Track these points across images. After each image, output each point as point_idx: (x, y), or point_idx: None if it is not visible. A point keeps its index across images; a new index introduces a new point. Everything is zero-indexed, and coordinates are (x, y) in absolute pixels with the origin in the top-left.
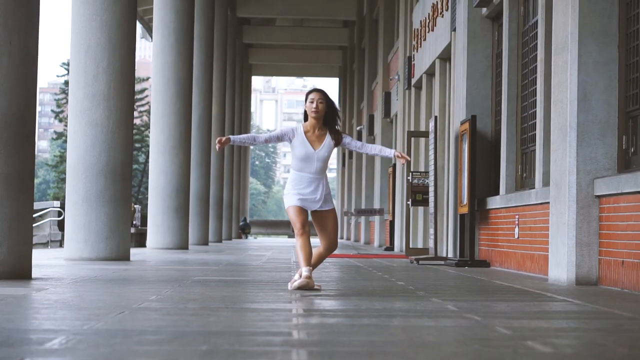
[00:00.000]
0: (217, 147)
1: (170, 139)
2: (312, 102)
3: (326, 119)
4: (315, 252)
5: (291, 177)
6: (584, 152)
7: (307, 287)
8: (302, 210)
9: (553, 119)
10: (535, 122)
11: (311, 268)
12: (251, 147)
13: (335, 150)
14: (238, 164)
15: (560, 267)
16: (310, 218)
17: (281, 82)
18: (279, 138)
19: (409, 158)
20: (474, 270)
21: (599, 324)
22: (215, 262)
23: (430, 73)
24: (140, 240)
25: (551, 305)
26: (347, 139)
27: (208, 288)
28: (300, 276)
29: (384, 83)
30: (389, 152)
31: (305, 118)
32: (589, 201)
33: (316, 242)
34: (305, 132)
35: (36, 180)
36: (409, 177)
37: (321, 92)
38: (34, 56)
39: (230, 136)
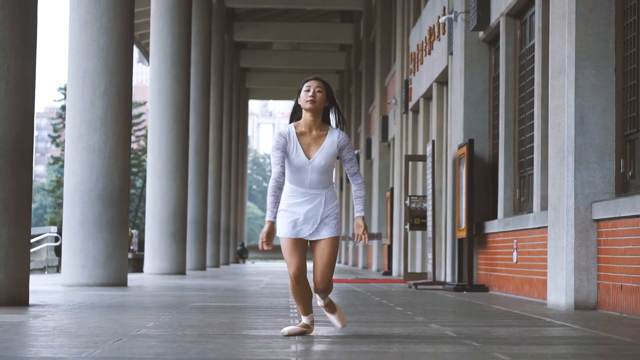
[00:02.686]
0: (264, 247)
1: (168, 163)
2: (307, 91)
3: (325, 117)
4: (307, 296)
5: (285, 191)
6: (581, 175)
7: (302, 334)
8: (298, 245)
9: (550, 143)
10: (533, 146)
11: (312, 315)
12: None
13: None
14: (235, 188)
15: (559, 292)
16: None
17: (278, 106)
18: (283, 156)
19: (366, 242)
20: (473, 295)
21: (598, 350)
22: (213, 287)
23: (427, 97)
24: (137, 265)
25: (550, 330)
26: (348, 153)
27: (206, 314)
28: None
29: (381, 107)
30: (356, 211)
31: (296, 117)
32: (587, 225)
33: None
34: (299, 134)
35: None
36: (407, 201)
37: (320, 81)
38: (31, 81)
39: (268, 220)
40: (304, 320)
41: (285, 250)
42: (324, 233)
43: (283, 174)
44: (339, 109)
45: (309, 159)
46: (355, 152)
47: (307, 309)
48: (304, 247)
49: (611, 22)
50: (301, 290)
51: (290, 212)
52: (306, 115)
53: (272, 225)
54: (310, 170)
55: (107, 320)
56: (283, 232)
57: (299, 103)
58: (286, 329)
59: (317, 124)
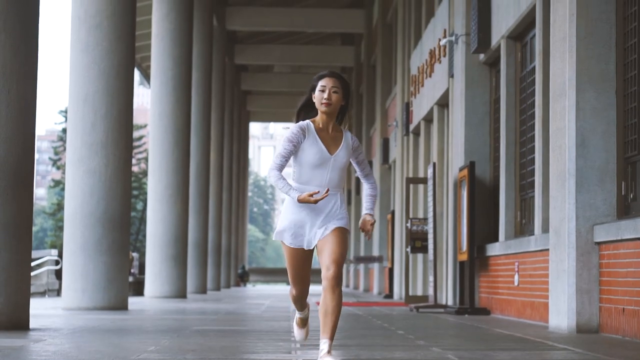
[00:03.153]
0: (319, 197)
1: (168, 187)
2: (322, 91)
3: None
4: (323, 306)
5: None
6: (583, 198)
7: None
8: (301, 256)
9: (552, 165)
10: (534, 168)
11: (307, 312)
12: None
13: None
14: (236, 211)
15: (561, 315)
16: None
17: (279, 129)
18: (294, 151)
19: (370, 237)
20: (474, 318)
21: None
22: (214, 311)
23: (428, 119)
24: (138, 288)
25: (552, 354)
26: (360, 155)
27: (207, 338)
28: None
29: (382, 129)
30: (365, 209)
31: (304, 112)
32: (589, 248)
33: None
34: (318, 131)
35: (34, 228)
36: (408, 224)
37: (336, 78)
38: (32, 105)
39: (290, 192)
40: (302, 315)
41: (289, 263)
42: (333, 224)
43: (283, 168)
44: (348, 109)
45: (331, 154)
46: (356, 174)
47: (304, 306)
48: (307, 260)
49: (612, 45)
50: (300, 294)
51: (293, 219)
52: (322, 115)
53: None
54: (332, 167)
55: (107, 344)
56: (287, 241)
57: (314, 102)
58: (299, 337)
59: (332, 123)
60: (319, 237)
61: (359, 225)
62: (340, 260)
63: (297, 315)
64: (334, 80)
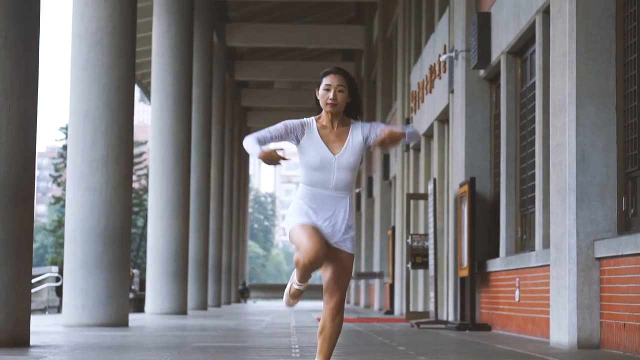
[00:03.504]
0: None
1: (169, 203)
2: (327, 90)
3: (348, 110)
4: (322, 330)
5: (299, 194)
6: (583, 214)
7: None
8: (316, 231)
9: (552, 181)
10: (535, 184)
11: (306, 284)
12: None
13: None
14: (237, 227)
15: (562, 331)
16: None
17: (279, 145)
18: (283, 136)
19: (385, 144)
20: (475, 334)
21: None
22: (214, 327)
23: (428, 135)
24: (138, 305)
25: None
26: (378, 125)
27: (207, 355)
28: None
29: None
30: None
31: (319, 108)
32: (590, 263)
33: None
34: (320, 129)
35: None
36: (409, 240)
37: (342, 75)
38: (32, 122)
39: (255, 149)
40: (301, 287)
41: (299, 236)
42: (346, 245)
43: (261, 140)
44: (361, 103)
45: (334, 154)
46: (357, 190)
47: (307, 278)
48: (321, 237)
49: (612, 60)
50: (311, 269)
51: (307, 217)
52: (327, 114)
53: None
54: (337, 168)
55: None
56: (298, 221)
57: (318, 99)
58: (288, 305)
59: (338, 120)
60: (333, 241)
61: (379, 137)
62: (345, 288)
63: (296, 285)
64: (340, 77)
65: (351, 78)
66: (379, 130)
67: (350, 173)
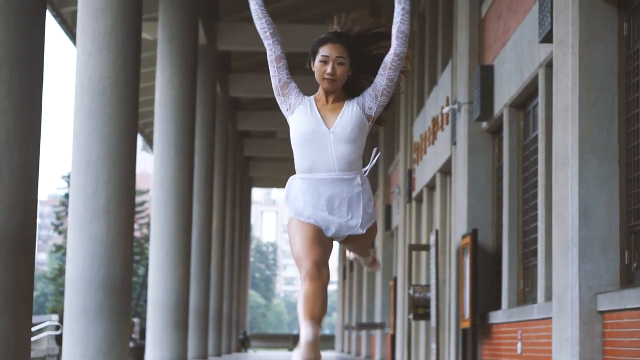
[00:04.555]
0: None
1: (170, 252)
2: (324, 62)
3: (349, 87)
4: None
5: (296, 185)
6: (585, 267)
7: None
8: (316, 233)
9: (554, 234)
10: (537, 236)
11: (318, 326)
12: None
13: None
14: (238, 277)
15: None
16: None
17: (282, 194)
18: (278, 68)
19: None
20: None
21: None
22: None
23: (430, 186)
24: (138, 354)
25: None
26: (369, 92)
27: None
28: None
29: (384, 196)
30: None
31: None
32: (592, 317)
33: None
34: (316, 102)
35: (34, 293)
36: (411, 291)
37: (341, 44)
38: (35, 171)
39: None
40: (306, 334)
41: (298, 244)
42: (364, 228)
43: (270, 34)
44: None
45: (328, 128)
46: None
47: (313, 312)
48: (323, 240)
49: (614, 114)
50: (317, 289)
51: (312, 208)
52: (323, 90)
53: None
54: (334, 142)
55: None
56: (298, 217)
57: (313, 71)
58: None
59: (337, 94)
60: (352, 233)
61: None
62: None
63: (305, 337)
64: (339, 47)
65: (352, 45)
66: (371, 90)
67: (351, 145)
